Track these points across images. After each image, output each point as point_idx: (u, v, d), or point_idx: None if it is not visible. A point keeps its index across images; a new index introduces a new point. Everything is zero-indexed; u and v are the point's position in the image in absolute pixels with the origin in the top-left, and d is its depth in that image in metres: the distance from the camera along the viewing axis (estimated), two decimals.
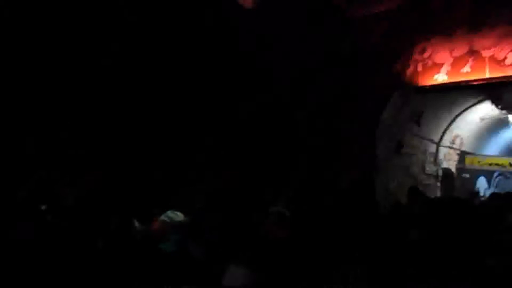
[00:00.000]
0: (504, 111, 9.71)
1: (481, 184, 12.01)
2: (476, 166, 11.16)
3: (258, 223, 3.83)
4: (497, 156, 12.03)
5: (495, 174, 12.53)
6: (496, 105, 9.14)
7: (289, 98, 8.03)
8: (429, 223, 3.93)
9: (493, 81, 7.13)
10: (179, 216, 3.23)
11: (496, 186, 12.53)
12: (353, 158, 8.06)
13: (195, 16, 6.55)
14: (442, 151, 10.41)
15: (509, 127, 11.22)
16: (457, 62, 7.45)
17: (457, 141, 10.90)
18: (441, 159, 10.33)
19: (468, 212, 2.68)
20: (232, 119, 7.22)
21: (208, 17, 6.66)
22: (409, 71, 7.96)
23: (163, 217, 3.20)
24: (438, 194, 9.78)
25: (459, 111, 9.87)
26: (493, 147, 12.46)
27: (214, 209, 4.02)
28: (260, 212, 4.02)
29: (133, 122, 5.98)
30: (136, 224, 3.41)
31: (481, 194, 10.92)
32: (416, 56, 7.90)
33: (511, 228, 3.58)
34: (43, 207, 3.45)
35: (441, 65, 7.63)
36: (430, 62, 7.77)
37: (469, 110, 9.92)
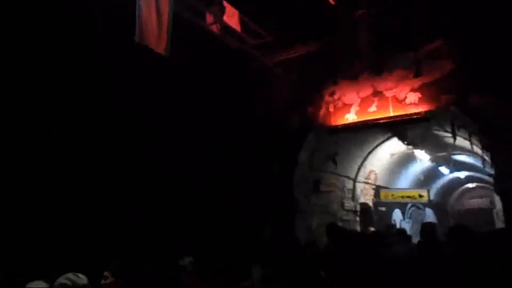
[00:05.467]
0: (410, 147, 10.41)
1: (397, 216, 12.64)
2: (391, 199, 11.74)
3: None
4: (408, 188, 12.79)
5: (408, 206, 13.29)
6: (402, 141, 9.76)
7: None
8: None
9: (397, 119, 7.69)
10: (81, 278, 2.64)
11: (410, 217, 13.26)
12: (272, 203, 8.17)
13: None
14: (359, 186, 10.87)
15: (416, 161, 12.07)
16: (364, 102, 7.97)
17: (372, 176, 11.46)
18: (358, 195, 10.76)
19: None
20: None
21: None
22: (322, 112, 8.35)
23: (63, 280, 2.55)
24: (358, 228, 10.10)
25: (370, 148, 10.47)
26: (404, 181, 13.27)
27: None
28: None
29: None
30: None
31: (397, 225, 11.46)
32: (327, 98, 8.34)
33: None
34: None
35: (350, 105, 8.12)
36: (340, 103, 8.23)
37: (379, 147, 10.56)
